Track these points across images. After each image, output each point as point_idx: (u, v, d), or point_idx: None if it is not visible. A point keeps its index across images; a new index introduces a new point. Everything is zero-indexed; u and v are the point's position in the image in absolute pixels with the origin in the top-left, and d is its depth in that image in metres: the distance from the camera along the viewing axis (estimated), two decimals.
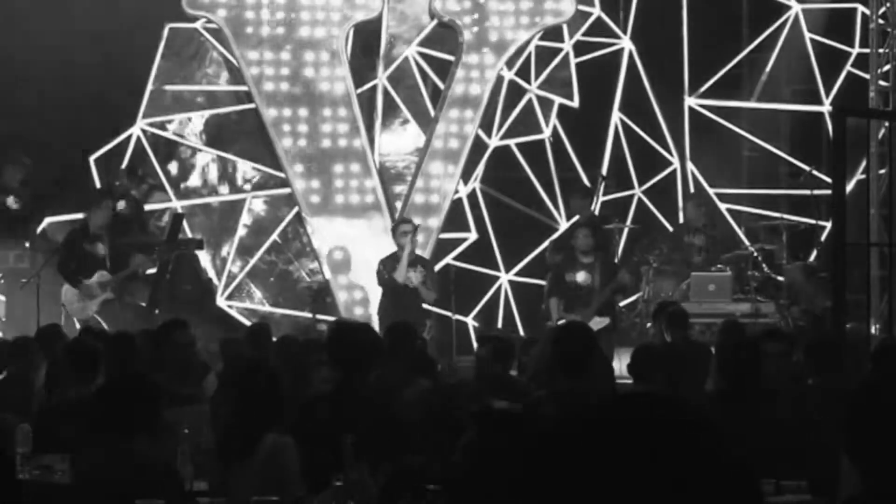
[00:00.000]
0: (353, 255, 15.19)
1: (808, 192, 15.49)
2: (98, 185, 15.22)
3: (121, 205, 14.52)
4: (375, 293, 14.46)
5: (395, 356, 8.04)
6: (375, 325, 13.50)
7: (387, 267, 13.90)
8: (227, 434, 5.31)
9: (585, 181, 15.87)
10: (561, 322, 13.36)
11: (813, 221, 15.78)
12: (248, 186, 15.88)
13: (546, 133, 16.17)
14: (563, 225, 15.76)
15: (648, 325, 14.77)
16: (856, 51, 16.38)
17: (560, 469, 1.83)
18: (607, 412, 1.88)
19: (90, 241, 13.89)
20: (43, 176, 14.78)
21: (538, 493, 1.83)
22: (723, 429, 1.86)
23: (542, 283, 14.88)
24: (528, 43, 15.87)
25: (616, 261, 14.94)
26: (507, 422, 4.95)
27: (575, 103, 16.17)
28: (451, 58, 15.77)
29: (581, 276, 13.52)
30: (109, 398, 5.89)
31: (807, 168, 15.71)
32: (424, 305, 14.09)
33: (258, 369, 5.60)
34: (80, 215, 14.44)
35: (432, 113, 15.80)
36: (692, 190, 16.40)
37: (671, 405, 1.86)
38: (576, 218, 15.15)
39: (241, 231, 15.73)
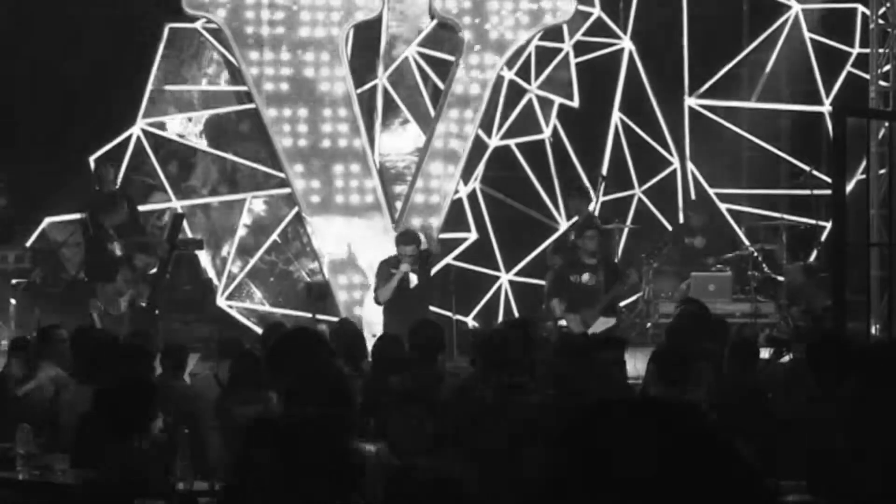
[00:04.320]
0: (354, 255, 15.18)
1: (808, 192, 15.50)
2: (114, 185, 15.19)
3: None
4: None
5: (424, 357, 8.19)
6: (380, 322, 13.50)
7: (381, 276, 13.67)
8: None
9: (585, 181, 15.87)
10: (562, 322, 13.38)
11: (813, 221, 15.78)
12: (247, 186, 15.88)
13: (546, 133, 16.17)
14: (563, 225, 15.75)
15: (648, 325, 14.78)
16: (856, 51, 16.37)
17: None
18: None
19: (110, 241, 13.88)
20: (42, 176, 14.77)
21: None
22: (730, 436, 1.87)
23: (542, 283, 14.89)
24: (528, 43, 15.87)
25: (616, 261, 14.94)
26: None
27: (575, 103, 16.17)
28: (451, 58, 15.77)
29: (585, 278, 13.53)
30: (107, 400, 5.89)
31: (807, 168, 15.71)
32: (432, 308, 14.07)
33: None
34: (78, 215, 14.43)
35: (432, 113, 15.79)
36: (692, 190, 16.39)
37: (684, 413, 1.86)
38: (575, 219, 15.14)
39: (241, 231, 15.72)
